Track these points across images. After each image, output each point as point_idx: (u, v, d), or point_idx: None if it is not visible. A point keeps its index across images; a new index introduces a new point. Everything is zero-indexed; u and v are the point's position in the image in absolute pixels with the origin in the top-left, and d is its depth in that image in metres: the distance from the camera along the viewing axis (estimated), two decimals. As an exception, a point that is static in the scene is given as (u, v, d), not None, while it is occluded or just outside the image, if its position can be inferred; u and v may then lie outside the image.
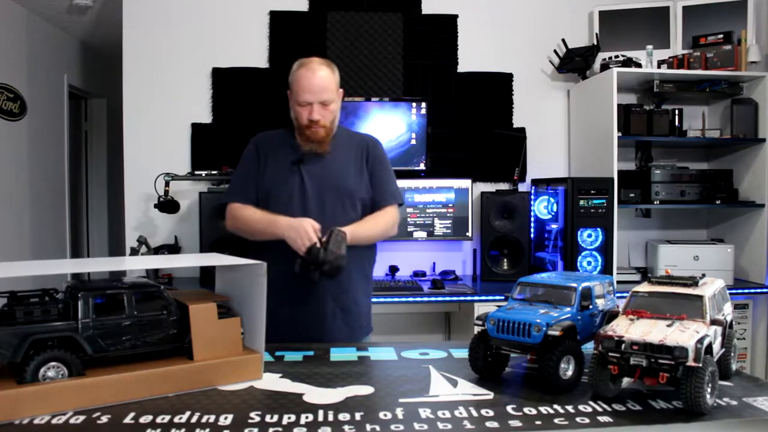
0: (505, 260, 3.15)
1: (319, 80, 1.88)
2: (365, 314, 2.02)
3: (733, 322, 1.35)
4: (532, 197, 3.25)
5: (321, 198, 1.90)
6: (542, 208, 3.24)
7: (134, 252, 3.01)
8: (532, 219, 3.24)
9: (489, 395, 1.21)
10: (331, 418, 1.09)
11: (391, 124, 3.19)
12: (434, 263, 3.37)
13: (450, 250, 3.42)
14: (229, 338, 1.32)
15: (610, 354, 1.14)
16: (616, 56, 3.16)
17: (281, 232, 1.78)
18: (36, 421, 1.06)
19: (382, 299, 2.77)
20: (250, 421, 1.07)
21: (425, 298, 2.81)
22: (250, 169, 1.98)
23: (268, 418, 1.09)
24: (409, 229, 3.19)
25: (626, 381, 1.21)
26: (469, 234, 3.21)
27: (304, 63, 1.93)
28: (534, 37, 3.47)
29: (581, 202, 2.94)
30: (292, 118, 1.95)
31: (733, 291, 2.92)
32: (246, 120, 3.27)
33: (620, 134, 3.06)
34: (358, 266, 1.95)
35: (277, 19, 3.33)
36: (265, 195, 1.93)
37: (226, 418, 1.08)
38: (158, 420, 1.08)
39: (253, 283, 1.33)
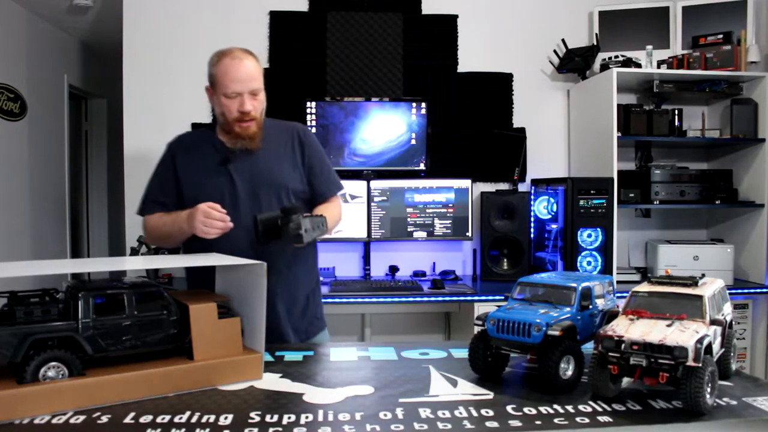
0: (505, 260, 3.15)
1: (247, 69, 1.79)
2: (313, 311, 1.95)
3: (733, 322, 1.35)
4: (532, 197, 3.25)
5: (254, 196, 1.81)
6: (542, 208, 3.24)
7: (134, 252, 3.01)
8: (532, 219, 3.24)
9: (489, 395, 1.21)
10: (331, 418, 1.09)
11: (391, 124, 3.19)
12: (434, 263, 3.37)
13: (450, 250, 3.42)
14: (229, 338, 1.32)
15: (610, 354, 1.14)
16: (616, 56, 3.16)
17: (186, 226, 1.69)
18: (36, 421, 1.07)
19: (382, 299, 2.77)
20: (250, 421, 1.08)
21: (425, 298, 2.81)
22: (164, 177, 1.88)
23: (268, 418, 1.09)
24: (409, 229, 3.19)
25: (626, 381, 1.21)
26: (469, 234, 3.21)
27: (226, 53, 1.81)
28: (534, 37, 3.47)
29: (581, 202, 2.94)
30: (217, 114, 1.85)
31: (733, 291, 2.92)
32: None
33: (620, 134, 3.06)
34: (302, 263, 1.90)
35: (277, 19, 3.33)
36: (192, 201, 1.76)
37: (226, 418, 1.08)
38: (158, 420, 1.08)
39: (253, 283, 1.33)
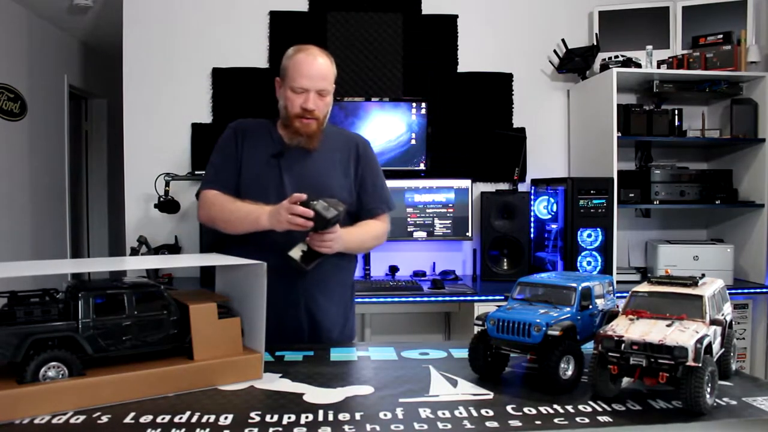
0: (505, 260, 3.15)
1: (319, 67, 1.76)
2: (341, 325, 1.89)
3: (733, 322, 1.35)
4: (532, 197, 3.25)
5: None
6: (542, 208, 3.24)
7: (134, 252, 3.01)
8: (532, 219, 3.24)
9: (489, 395, 1.21)
10: (331, 418, 1.09)
11: (391, 124, 3.19)
12: (434, 263, 3.37)
13: (450, 250, 3.42)
14: (229, 338, 1.32)
15: (610, 354, 1.14)
16: (616, 56, 3.16)
17: (266, 219, 1.63)
18: (36, 421, 1.07)
19: (382, 299, 2.77)
20: (250, 421, 1.08)
21: (425, 298, 2.81)
22: (227, 156, 1.83)
23: (268, 418, 1.09)
24: (409, 229, 3.19)
25: (626, 381, 1.21)
26: (469, 234, 3.21)
27: (302, 48, 1.80)
28: (534, 37, 3.47)
29: (581, 202, 2.94)
30: (281, 107, 1.82)
31: (733, 291, 2.92)
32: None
33: (620, 134, 3.06)
34: (338, 278, 1.85)
35: (277, 19, 3.33)
36: (240, 186, 1.79)
37: (226, 418, 1.08)
38: (158, 420, 1.08)
39: (253, 283, 1.33)
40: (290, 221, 1.58)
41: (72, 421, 1.07)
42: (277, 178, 1.78)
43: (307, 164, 1.81)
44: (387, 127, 3.19)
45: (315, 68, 1.76)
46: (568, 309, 1.27)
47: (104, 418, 1.08)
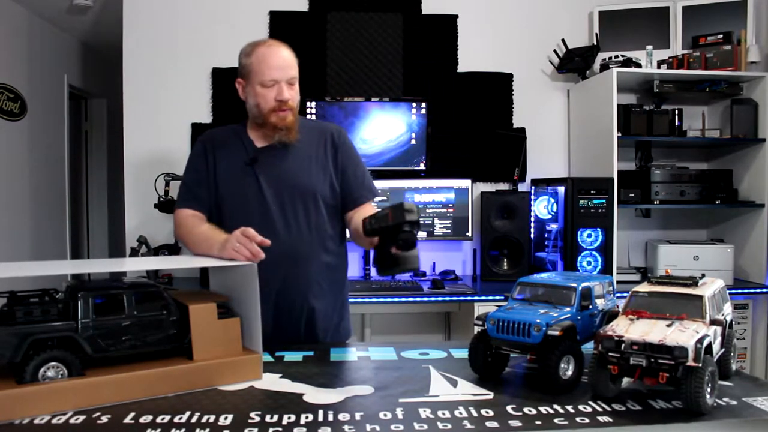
0: (505, 260, 3.15)
1: (284, 57, 1.75)
2: (336, 324, 1.87)
3: (733, 322, 1.35)
4: (532, 197, 3.25)
5: (280, 200, 1.74)
6: (542, 208, 3.24)
7: (134, 252, 3.01)
8: (532, 219, 3.24)
9: (489, 395, 1.21)
10: (331, 418, 1.09)
11: (391, 124, 3.19)
12: (434, 263, 3.36)
13: (450, 250, 3.42)
14: (229, 338, 1.32)
15: (610, 354, 1.14)
16: (616, 56, 3.15)
17: (216, 251, 1.51)
18: (36, 421, 1.07)
19: (382, 299, 2.77)
20: (250, 421, 1.08)
21: (425, 298, 2.81)
22: (198, 171, 1.80)
23: (268, 418, 1.09)
24: (409, 229, 3.19)
25: (626, 381, 1.21)
26: (469, 234, 3.21)
27: (260, 43, 1.77)
28: (534, 37, 3.47)
29: (581, 202, 2.94)
30: (251, 106, 1.78)
31: (733, 291, 2.91)
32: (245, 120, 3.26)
33: (620, 134, 3.05)
34: (331, 278, 1.84)
35: (277, 19, 3.33)
36: (219, 199, 1.77)
37: (226, 418, 1.08)
38: (158, 420, 1.08)
39: (245, 283, 1.33)
40: (237, 249, 1.43)
41: (72, 421, 1.07)
42: (254, 183, 1.75)
43: (282, 164, 1.78)
44: (387, 127, 3.19)
45: (281, 59, 1.74)
46: (568, 309, 1.27)
47: (104, 418, 1.08)
